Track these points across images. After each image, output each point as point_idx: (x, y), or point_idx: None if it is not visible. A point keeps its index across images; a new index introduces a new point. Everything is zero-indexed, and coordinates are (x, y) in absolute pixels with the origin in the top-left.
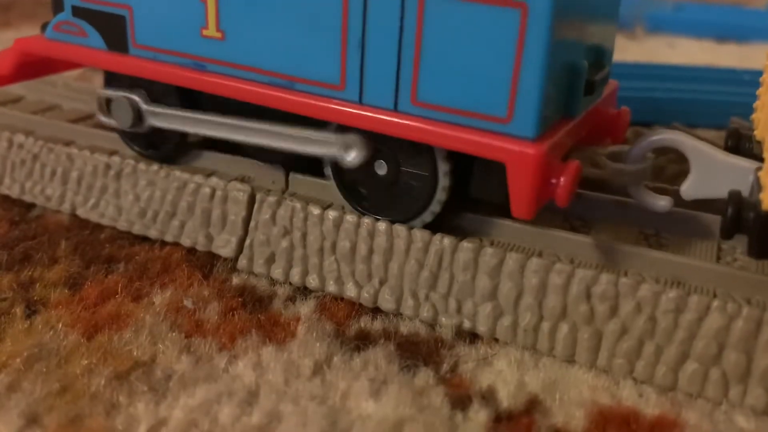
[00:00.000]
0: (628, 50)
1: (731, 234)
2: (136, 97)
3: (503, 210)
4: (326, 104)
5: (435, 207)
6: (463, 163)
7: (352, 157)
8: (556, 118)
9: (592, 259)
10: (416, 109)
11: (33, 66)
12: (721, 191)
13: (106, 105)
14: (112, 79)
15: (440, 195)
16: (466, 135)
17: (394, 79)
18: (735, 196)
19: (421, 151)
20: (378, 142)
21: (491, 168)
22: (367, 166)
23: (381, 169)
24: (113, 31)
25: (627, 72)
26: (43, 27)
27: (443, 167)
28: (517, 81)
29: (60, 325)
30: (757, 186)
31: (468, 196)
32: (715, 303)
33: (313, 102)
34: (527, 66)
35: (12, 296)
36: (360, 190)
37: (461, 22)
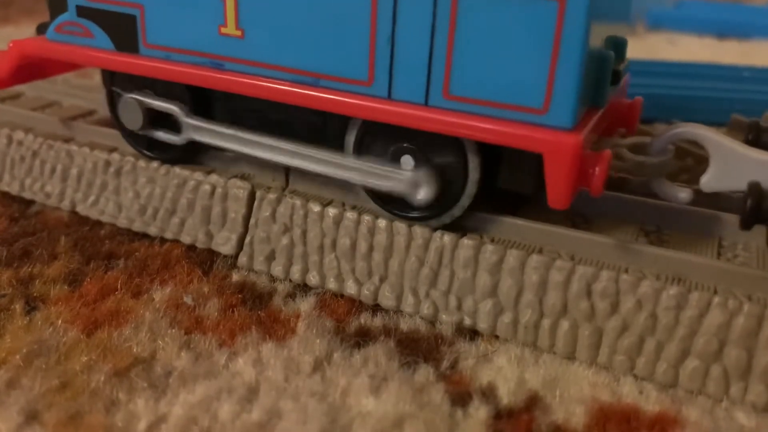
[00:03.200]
0: (628, 47)
1: (751, 225)
2: (176, 108)
3: (504, 206)
4: (353, 100)
5: (465, 201)
6: (490, 156)
7: (423, 194)
8: (586, 107)
9: (592, 256)
10: (449, 103)
11: (31, 68)
12: (741, 184)
13: (113, 105)
14: (119, 81)
15: (471, 188)
16: (501, 127)
17: (425, 74)
18: (755, 188)
19: (450, 145)
20: (405, 138)
21: (522, 159)
22: (392, 162)
23: (408, 164)
24: (122, 31)
25: (627, 69)
26: (40, 28)
27: (473, 160)
28: (555, 72)
29: (59, 322)
30: None
31: (495, 188)
32: (716, 299)
33: (339, 99)
34: (565, 57)
35: (11, 292)
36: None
37: (497, 14)
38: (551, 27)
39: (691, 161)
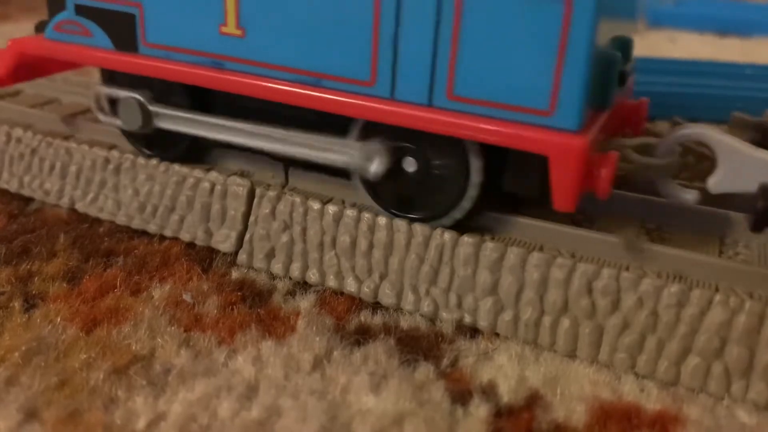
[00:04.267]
0: None
1: (762, 227)
2: (139, 96)
3: (504, 204)
4: (355, 101)
5: (467, 203)
6: (493, 158)
7: (375, 167)
8: (593, 109)
9: (593, 254)
10: (452, 104)
11: (30, 67)
12: (749, 185)
13: (111, 105)
14: (114, 79)
15: (472, 191)
16: (506, 129)
17: (429, 74)
18: (766, 190)
19: (452, 146)
20: (406, 139)
21: (527, 161)
22: (395, 164)
23: (410, 166)
24: (121, 29)
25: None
26: (39, 26)
27: (475, 162)
28: (561, 73)
29: (58, 319)
30: None
31: (499, 191)
32: (718, 297)
33: (341, 99)
34: (571, 57)
35: (10, 290)
36: (387, 189)
37: (502, 14)
38: (557, 27)
39: (691, 159)
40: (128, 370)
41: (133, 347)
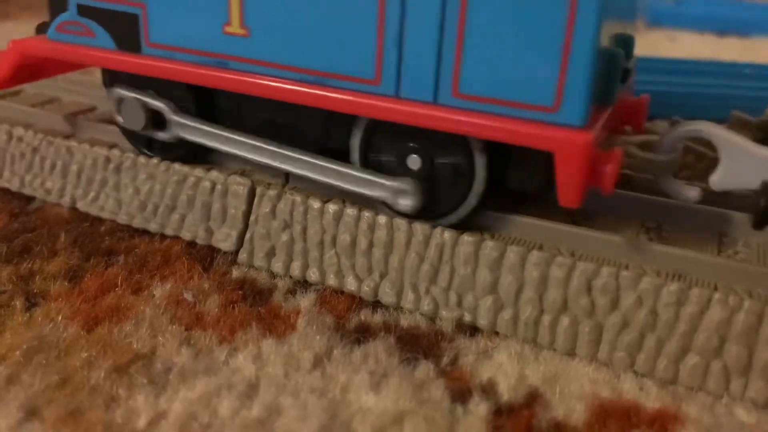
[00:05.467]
0: None
1: (764, 225)
2: (163, 106)
3: (504, 203)
4: (361, 99)
5: (472, 200)
6: (497, 156)
7: (407, 203)
8: (596, 105)
9: (592, 252)
10: (458, 102)
11: (32, 68)
12: (751, 183)
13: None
14: (121, 82)
15: (478, 188)
16: (512, 125)
17: (434, 72)
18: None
19: (456, 144)
20: (410, 137)
21: (531, 158)
22: (399, 162)
23: (414, 164)
24: (124, 30)
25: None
26: (40, 27)
27: (480, 159)
28: (566, 69)
29: (60, 318)
30: None
31: (504, 188)
32: (717, 296)
33: (346, 98)
34: (576, 54)
35: (12, 289)
36: None
37: (507, 11)
38: (562, 24)
39: (691, 158)
40: (129, 368)
41: (134, 346)
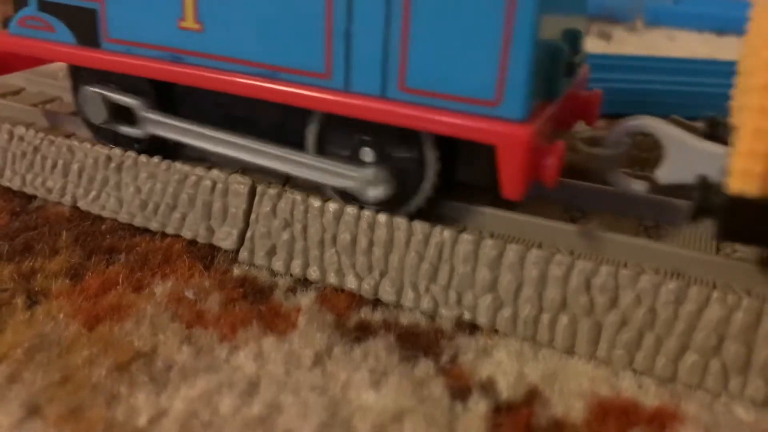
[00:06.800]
0: (627, 43)
1: (698, 217)
2: (135, 102)
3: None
4: (312, 93)
5: (425, 192)
6: (451, 147)
7: (375, 192)
8: (539, 100)
9: (591, 251)
10: (404, 95)
11: None
12: (693, 176)
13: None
14: (82, 76)
15: (429, 180)
16: (455, 120)
17: (381, 66)
18: (702, 181)
19: (408, 137)
20: (363, 130)
21: (478, 151)
22: (352, 155)
23: (367, 157)
24: (83, 25)
25: (626, 64)
26: (5, 22)
27: (431, 152)
28: (506, 64)
29: (61, 316)
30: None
31: (456, 180)
32: (715, 294)
33: (298, 91)
34: (515, 49)
35: (13, 287)
36: None
37: (450, 6)
38: (502, 19)
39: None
40: (130, 366)
41: (135, 344)
